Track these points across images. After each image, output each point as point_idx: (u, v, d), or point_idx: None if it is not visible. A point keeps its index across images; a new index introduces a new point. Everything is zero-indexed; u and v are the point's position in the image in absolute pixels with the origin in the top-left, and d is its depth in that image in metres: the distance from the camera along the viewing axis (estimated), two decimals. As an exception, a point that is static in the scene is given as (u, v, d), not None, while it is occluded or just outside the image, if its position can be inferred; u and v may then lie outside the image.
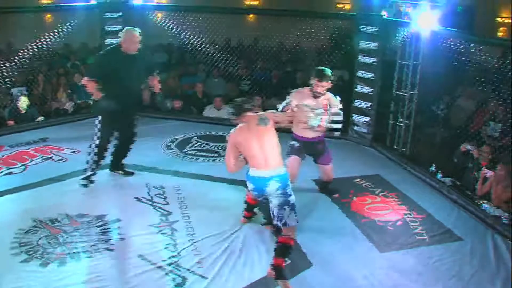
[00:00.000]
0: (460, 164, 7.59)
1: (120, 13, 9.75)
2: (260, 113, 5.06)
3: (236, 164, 5.04)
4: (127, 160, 7.50)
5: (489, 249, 5.70)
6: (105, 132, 6.61)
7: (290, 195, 4.95)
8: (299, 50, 10.79)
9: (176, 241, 5.46)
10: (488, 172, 6.76)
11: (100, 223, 5.76)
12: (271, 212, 5.02)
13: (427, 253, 5.53)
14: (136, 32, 6.36)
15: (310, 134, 6.20)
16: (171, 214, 6.05)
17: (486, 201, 6.72)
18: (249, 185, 5.12)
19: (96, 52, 11.10)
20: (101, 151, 6.69)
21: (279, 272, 4.80)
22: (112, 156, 7.07)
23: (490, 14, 17.39)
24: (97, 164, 6.72)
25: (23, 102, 9.24)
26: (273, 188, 4.90)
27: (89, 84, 6.39)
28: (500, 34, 17.27)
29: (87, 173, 6.71)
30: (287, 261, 5.03)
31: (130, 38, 6.34)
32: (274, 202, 4.93)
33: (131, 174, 7.19)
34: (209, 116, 10.07)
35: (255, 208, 5.89)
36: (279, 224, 4.91)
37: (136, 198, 6.46)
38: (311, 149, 6.35)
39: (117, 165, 7.18)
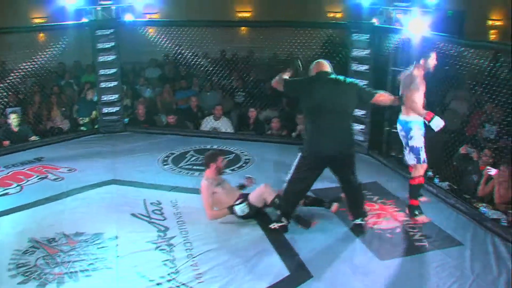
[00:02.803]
0: (460, 167, 7.59)
1: (111, 30, 9.76)
2: None
3: None
4: (123, 176, 7.52)
5: (490, 253, 5.67)
6: None
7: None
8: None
9: (174, 257, 5.42)
10: (492, 171, 6.76)
11: (97, 241, 5.72)
12: None
13: (427, 259, 5.51)
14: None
15: None
16: (168, 230, 6.02)
17: (485, 204, 6.72)
18: None
19: (90, 70, 11.19)
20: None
21: (410, 210, 6.30)
22: None
23: (481, 17, 17.47)
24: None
25: (13, 120, 9.22)
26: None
27: None
28: (492, 36, 17.35)
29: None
30: (287, 273, 5.06)
31: None
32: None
33: None
34: (207, 127, 10.09)
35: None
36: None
37: (133, 215, 6.43)
38: None
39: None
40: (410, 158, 6.19)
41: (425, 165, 6.19)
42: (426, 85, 6.23)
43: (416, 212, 6.27)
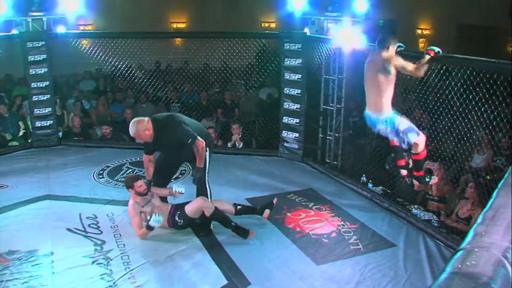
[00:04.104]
0: (392, 171, 7.79)
1: (43, 42, 9.55)
2: None
3: None
4: (58, 191, 7.40)
5: (421, 252, 5.91)
6: None
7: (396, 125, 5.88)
8: (225, 71, 10.83)
9: (112, 271, 5.36)
10: (432, 166, 6.97)
11: (32, 259, 5.58)
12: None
13: (362, 262, 5.65)
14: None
15: None
16: (105, 244, 5.95)
17: (416, 206, 6.94)
18: None
19: (22, 83, 10.91)
20: None
21: (419, 180, 6.28)
22: None
23: (410, 26, 18.09)
24: None
25: None
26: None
27: None
28: (421, 45, 17.99)
29: None
30: (225, 282, 5.10)
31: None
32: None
33: None
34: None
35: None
36: (405, 146, 6.06)
37: (69, 229, 6.31)
38: None
39: None
40: (411, 139, 5.91)
41: (424, 137, 6.05)
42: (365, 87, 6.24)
43: (427, 179, 6.49)
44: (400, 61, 5.73)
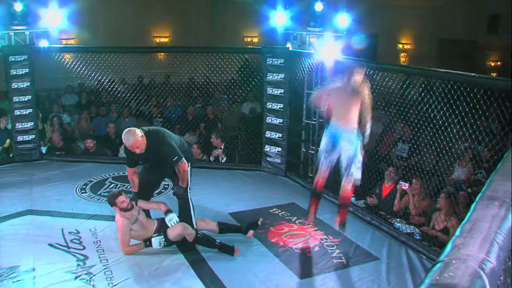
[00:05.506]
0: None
1: (25, 56, 9.49)
2: None
3: None
4: (40, 206, 7.34)
5: (404, 265, 5.96)
6: None
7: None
8: (208, 85, 10.85)
9: (95, 286, 5.33)
10: (405, 185, 7.03)
11: (13, 275, 5.51)
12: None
13: (346, 275, 5.68)
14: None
15: None
16: (88, 259, 5.90)
17: (399, 220, 6.99)
18: None
19: (3, 97, 10.84)
20: None
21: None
22: None
23: (392, 41, 18.32)
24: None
25: None
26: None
27: None
28: (402, 59, 18.22)
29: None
30: None
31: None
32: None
33: None
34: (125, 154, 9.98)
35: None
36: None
37: (51, 245, 6.25)
38: None
39: None
40: (357, 174, 6.03)
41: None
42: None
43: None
44: (365, 93, 5.78)
